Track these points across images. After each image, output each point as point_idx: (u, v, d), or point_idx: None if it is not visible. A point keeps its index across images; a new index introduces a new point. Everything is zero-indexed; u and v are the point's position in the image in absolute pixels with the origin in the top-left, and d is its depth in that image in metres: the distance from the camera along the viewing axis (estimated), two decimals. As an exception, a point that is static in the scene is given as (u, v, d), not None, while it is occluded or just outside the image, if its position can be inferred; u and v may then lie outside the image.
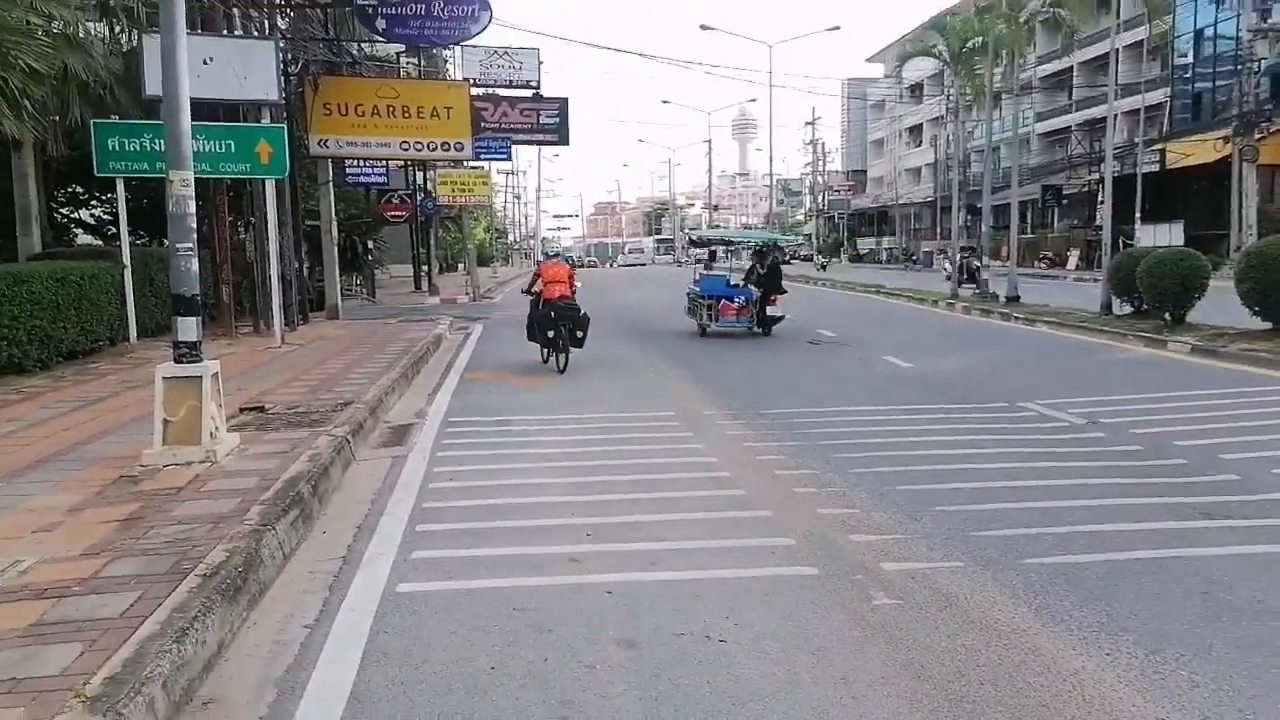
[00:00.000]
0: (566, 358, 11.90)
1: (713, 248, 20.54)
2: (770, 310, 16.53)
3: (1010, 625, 3.81)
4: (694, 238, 25.28)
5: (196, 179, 6.71)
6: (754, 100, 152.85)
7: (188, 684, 3.34)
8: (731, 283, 16.81)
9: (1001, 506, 5.43)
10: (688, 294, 17.82)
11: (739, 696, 3.27)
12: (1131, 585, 4.21)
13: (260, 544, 4.50)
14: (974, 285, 24.01)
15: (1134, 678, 3.34)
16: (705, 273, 18.12)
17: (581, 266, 39.42)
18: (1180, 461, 6.43)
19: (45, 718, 2.83)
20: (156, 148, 13.20)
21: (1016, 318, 18.11)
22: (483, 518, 5.45)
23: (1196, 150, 34.24)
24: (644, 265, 78.96)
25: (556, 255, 14.79)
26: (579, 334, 12.10)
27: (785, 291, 17.43)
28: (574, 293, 12.48)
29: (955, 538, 4.91)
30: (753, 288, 16.71)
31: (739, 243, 22.15)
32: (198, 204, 6.74)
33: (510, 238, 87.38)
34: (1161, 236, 31.94)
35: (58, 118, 14.01)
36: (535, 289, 12.70)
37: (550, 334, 12.08)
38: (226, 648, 3.75)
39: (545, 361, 12.28)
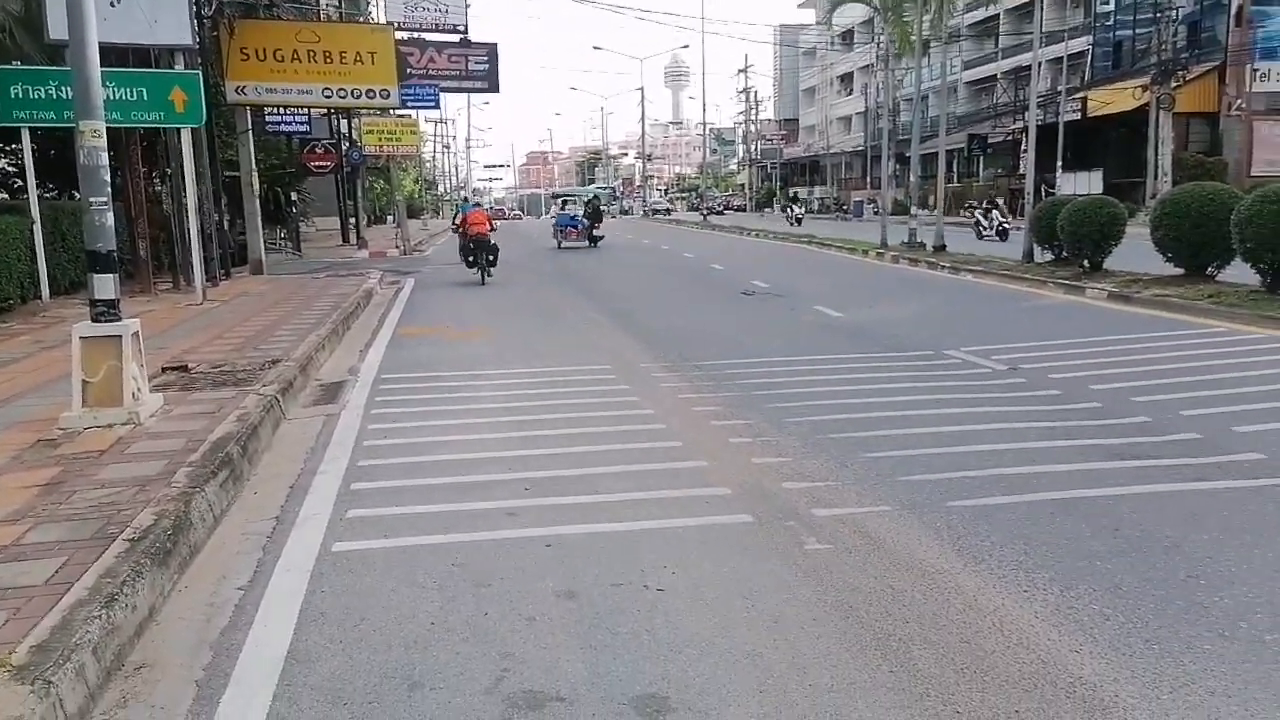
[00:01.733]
0: (485, 274, 17.90)
1: (565, 198, 35.55)
2: (595, 232, 29.99)
3: (935, 566, 3.97)
4: (554, 193, 47.81)
5: (108, 129, 6.41)
6: (686, 47, 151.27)
7: (119, 649, 3.29)
8: (574, 218, 30.36)
9: (927, 452, 5.60)
10: (552, 224, 32.27)
11: (676, 643, 3.36)
12: (1048, 525, 4.40)
13: (189, 506, 4.42)
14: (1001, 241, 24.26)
15: (1049, 613, 3.52)
16: (560, 212, 32.54)
17: (504, 219, 46.58)
18: (1095, 405, 6.71)
19: (-30, 690, 2.76)
20: (63, 95, 12.58)
21: (943, 266, 18.51)
22: (419, 474, 5.43)
23: (1116, 98, 35.11)
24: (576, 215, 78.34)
25: (478, 205, 23.16)
26: (492, 258, 18.14)
27: (601, 221, 31.74)
28: (492, 231, 18.34)
29: (883, 483, 5.06)
30: (584, 220, 30.17)
31: (580, 195, 37.12)
32: (110, 155, 6.44)
33: (440, 189, 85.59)
34: (1082, 184, 32.81)
35: (-49, 63, 13.20)
36: (461, 228, 19.64)
37: (472, 258, 18.37)
38: (158, 612, 3.69)
39: (472, 271, 18.22)
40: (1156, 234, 13.28)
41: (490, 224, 18.62)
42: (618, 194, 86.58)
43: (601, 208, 34.54)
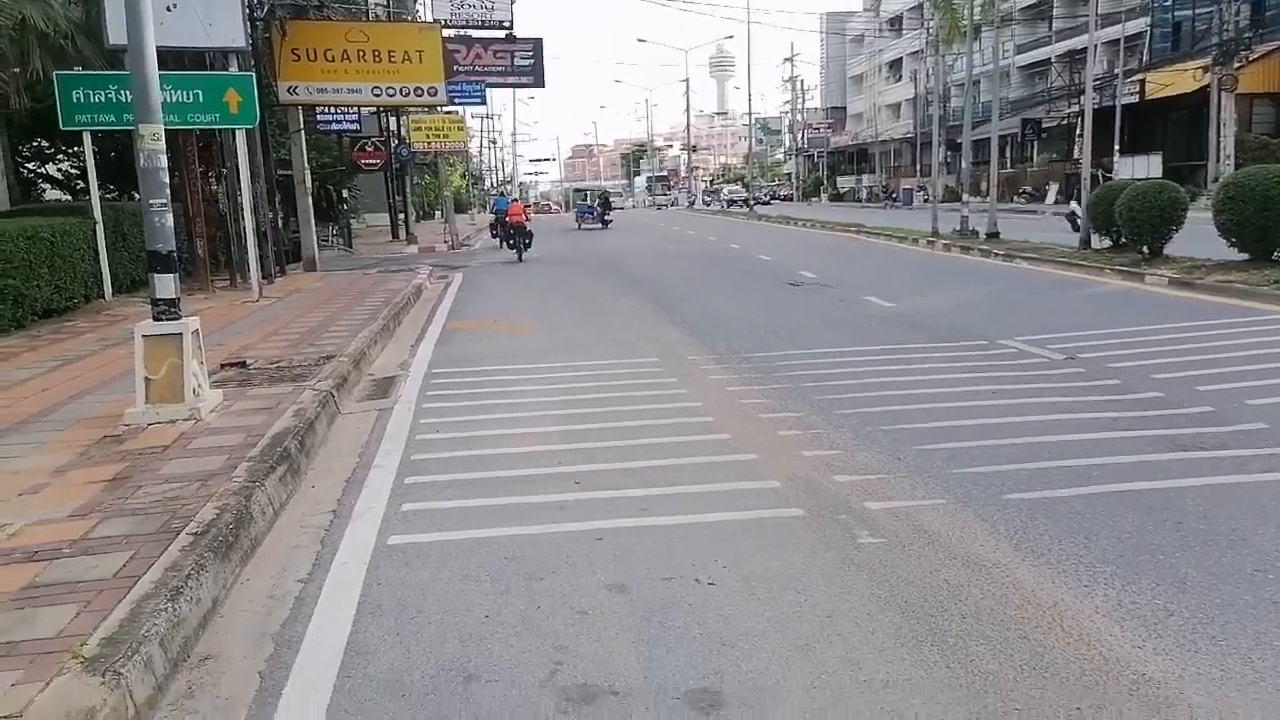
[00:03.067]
0: (520, 253, 22.38)
1: (584, 192, 46.84)
2: (607, 217, 39.80)
3: (991, 560, 3.90)
4: (576, 188, 59.85)
5: (165, 131, 6.57)
6: (731, 37, 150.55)
7: (184, 642, 3.38)
8: (592, 206, 40.89)
9: (982, 443, 5.51)
10: (575, 211, 44.30)
11: (728, 637, 3.35)
12: (1108, 518, 4.31)
13: (250, 501, 4.53)
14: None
15: (1111, 608, 3.44)
16: (581, 203, 43.57)
17: (549, 213, 61.25)
18: (1157, 395, 6.54)
19: (44, 679, 2.86)
20: (123, 99, 12.91)
21: (996, 254, 18.17)
22: (471, 468, 5.49)
23: (1176, 80, 34.11)
24: (621, 209, 77.98)
25: (516, 199, 29.82)
26: (527, 241, 22.83)
27: (610, 209, 41.69)
28: (528, 219, 23.34)
29: (937, 475, 4.99)
30: (598, 208, 40.25)
31: (592, 189, 48.62)
32: (167, 156, 6.61)
33: (487, 183, 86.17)
34: (1140, 168, 31.97)
35: (18, 70, 13.61)
36: (501, 217, 26.19)
37: (511, 241, 23.21)
38: (221, 604, 3.79)
39: (510, 251, 23.27)
40: (1220, 218, 12.88)
41: (526, 214, 23.68)
42: (670, 185, 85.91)
43: (611, 200, 46.08)
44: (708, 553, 4.11)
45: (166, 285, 6.36)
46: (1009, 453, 5.31)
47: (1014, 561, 3.88)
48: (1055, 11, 45.58)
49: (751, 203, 54.32)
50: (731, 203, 63.23)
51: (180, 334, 6.24)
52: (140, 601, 3.38)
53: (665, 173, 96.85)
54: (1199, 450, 5.24)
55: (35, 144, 19.70)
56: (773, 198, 68.97)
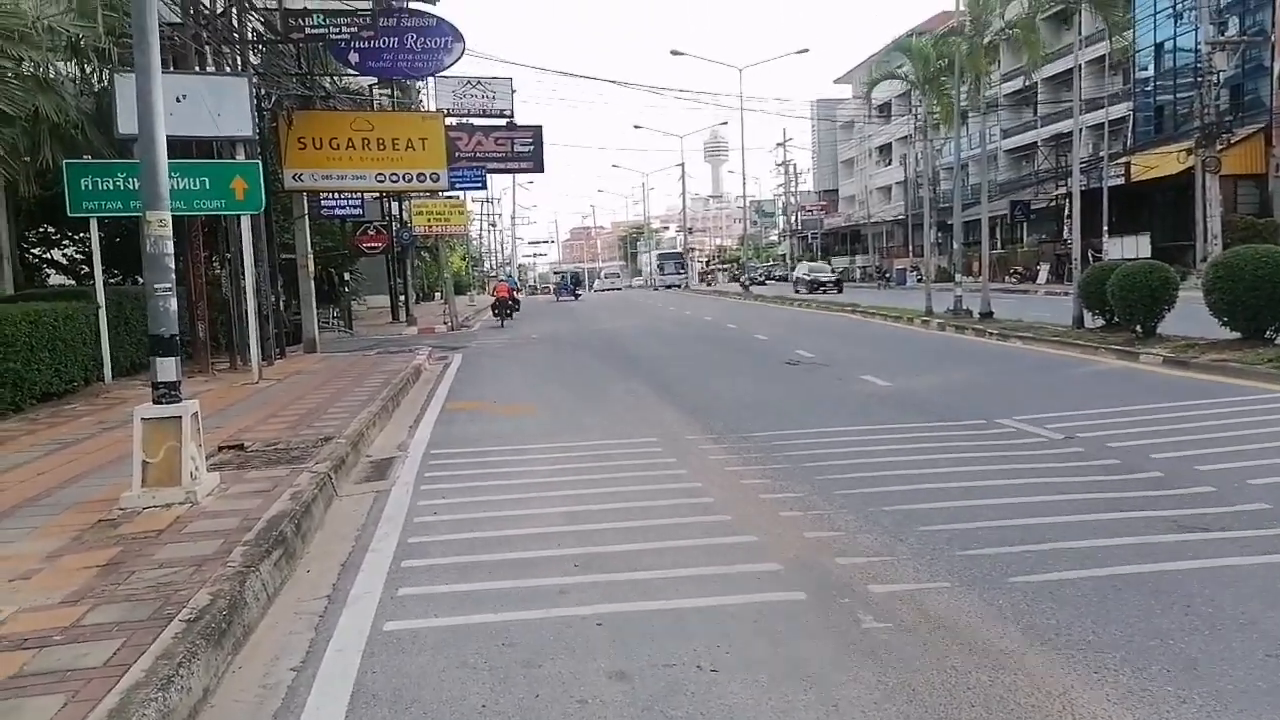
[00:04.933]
0: (503, 321, 29.70)
1: (564, 274, 64.71)
2: (578, 292, 55.68)
3: (999, 645, 3.84)
4: (555, 270, 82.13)
5: (172, 217, 6.68)
6: (725, 123, 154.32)
7: (174, 733, 3.29)
8: (567, 284, 56.93)
9: (985, 525, 5.47)
10: (554, 288, 63.15)
11: (732, 727, 3.27)
12: (1115, 601, 4.25)
13: (244, 586, 4.46)
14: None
15: (1122, 695, 3.37)
16: (558, 282, 61.38)
17: (537, 291, 70.15)
18: (1156, 474, 6.52)
19: (30, 774, 2.78)
20: (129, 186, 13.17)
21: (991, 333, 18.31)
22: (469, 551, 5.43)
23: (1160, 163, 34.92)
24: (619, 290, 78.48)
25: (507, 279, 36.87)
26: (510, 312, 30.82)
27: (581, 286, 60.78)
28: (511, 295, 31.89)
29: (941, 558, 4.94)
30: (571, 285, 56.16)
31: (568, 272, 68.37)
32: (173, 241, 6.70)
33: (486, 265, 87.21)
34: (1129, 248, 32.51)
35: (29, 159, 13.91)
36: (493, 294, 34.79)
37: (496, 311, 31.05)
38: (212, 694, 3.70)
39: (499, 324, 29.80)
40: (1210, 297, 13.03)
41: (510, 294, 32.21)
42: (684, 264, 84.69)
43: (581, 280, 62.54)
44: (709, 638, 4.04)
45: (168, 368, 6.39)
46: (1012, 534, 5.27)
47: (1021, 647, 3.81)
48: (1040, 97, 46.89)
49: (746, 283, 54.86)
50: (754, 281, 59.10)
51: (180, 417, 6.23)
52: (130, 691, 3.30)
53: (678, 250, 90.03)
54: (1202, 531, 5.20)
55: (41, 229, 19.99)
56: (767, 278, 69.67)
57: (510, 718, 3.42)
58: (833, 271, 50.09)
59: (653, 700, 3.50)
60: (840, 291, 44.18)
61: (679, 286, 72.18)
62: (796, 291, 39.12)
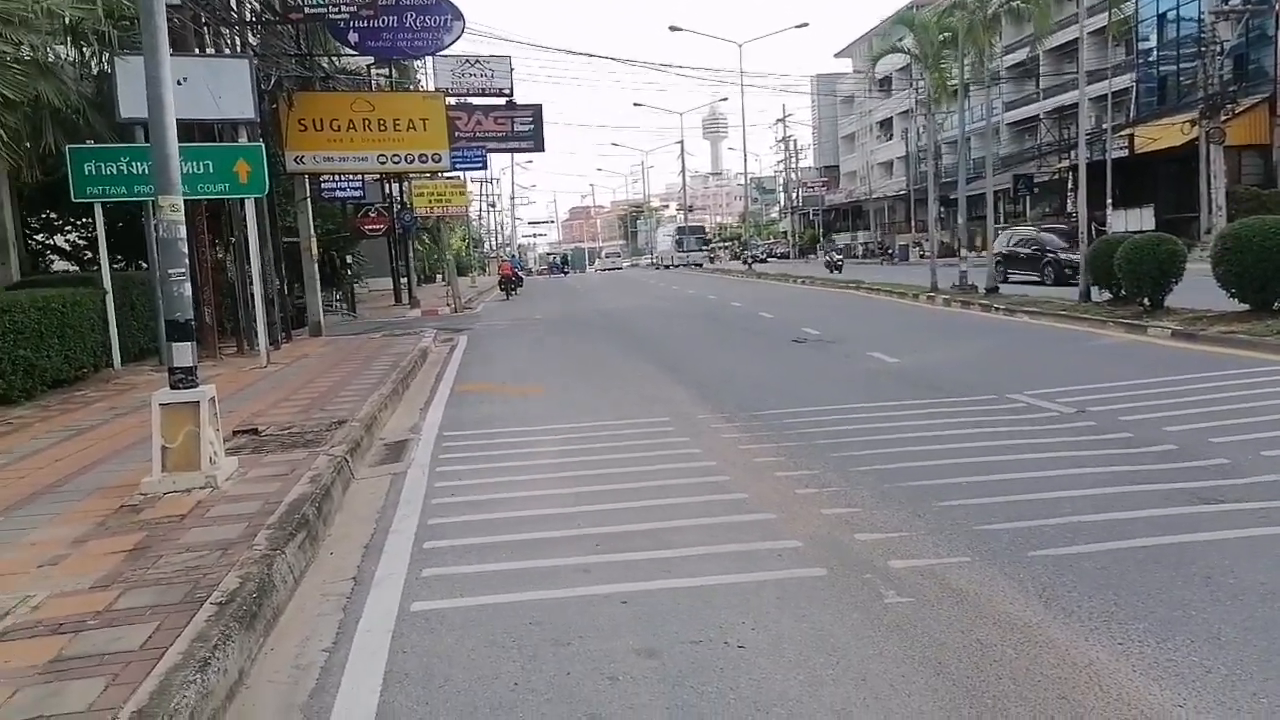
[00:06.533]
0: (509, 295, 35.15)
1: (554, 255, 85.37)
2: (565, 270, 75.79)
3: (1022, 618, 3.88)
4: (547, 252, 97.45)
5: (182, 203, 6.66)
6: (724, 99, 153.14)
7: (213, 714, 3.34)
8: (557, 264, 79.68)
9: (1001, 499, 5.51)
10: (549, 267, 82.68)
11: (763, 702, 3.32)
12: (1136, 573, 4.29)
13: (272, 569, 4.50)
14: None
15: (1148, 666, 3.42)
16: (550, 263, 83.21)
17: (531, 274, 63.88)
18: (1171, 447, 6.54)
19: (77, 756, 2.82)
20: (133, 171, 13.14)
21: (997, 308, 18.29)
22: (489, 532, 5.47)
23: (1164, 134, 34.73)
24: (620, 270, 78.33)
25: (505, 260, 45.65)
26: (516, 287, 36.82)
27: (568, 264, 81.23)
28: (513, 272, 38.07)
29: (960, 532, 4.98)
30: (560, 265, 78.95)
31: (558, 254, 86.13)
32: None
33: (486, 246, 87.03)
34: (1133, 221, 32.40)
35: (30, 144, 13.85)
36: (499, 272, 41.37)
37: (503, 286, 36.69)
38: (247, 675, 3.75)
39: (505, 297, 35.01)
40: (1218, 269, 13.02)
41: (513, 271, 38.53)
42: (708, 239, 78.49)
43: (569, 259, 77.07)
44: (734, 614, 4.08)
45: (184, 353, 6.40)
46: (1030, 508, 5.31)
47: (1045, 620, 3.85)
48: (1042, 70, 46.58)
49: (749, 260, 54.47)
50: (756, 259, 56.11)
51: (198, 402, 6.26)
52: (169, 673, 3.35)
53: (699, 224, 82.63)
54: (1220, 503, 5.24)
55: (44, 215, 19.95)
56: (769, 255, 69.34)
57: (543, 695, 3.47)
58: (838, 253, 48.31)
59: (683, 676, 3.54)
60: (749, 266, 48.49)
61: (699, 265, 66.15)
62: (831, 273, 37.00)
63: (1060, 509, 5.26)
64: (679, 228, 76.45)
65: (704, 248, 69.94)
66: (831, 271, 38.05)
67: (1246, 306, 12.79)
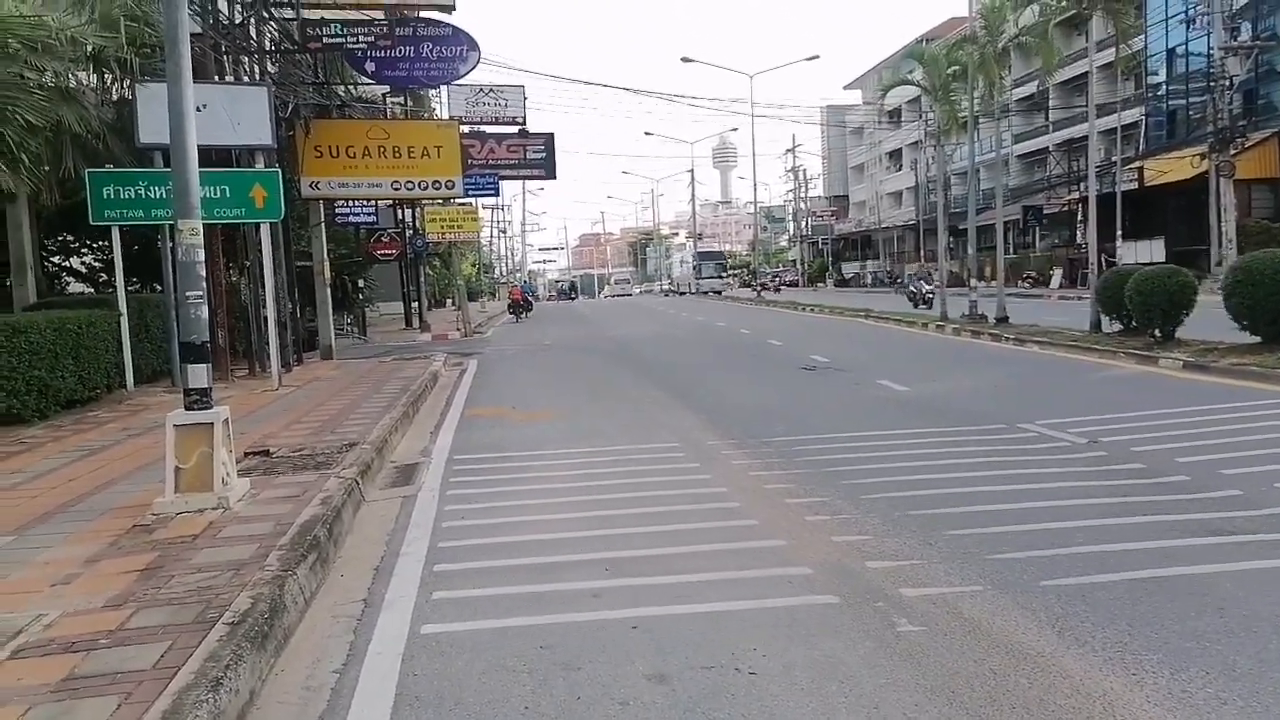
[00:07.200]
0: (519, 318, 38.09)
1: (560, 281, 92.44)
2: (572, 296, 78.44)
3: (1035, 648, 3.86)
4: (559, 279, 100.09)
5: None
6: (735, 129, 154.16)
7: (224, 734, 3.35)
8: (565, 290, 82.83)
9: (1013, 529, 5.49)
10: (557, 293, 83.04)
11: (775, 729, 3.30)
12: (1149, 604, 4.27)
13: (283, 589, 4.51)
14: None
15: (1162, 698, 3.39)
16: (558, 290, 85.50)
17: (538, 300, 59.62)
18: (1183, 479, 6.52)
19: (90, 773, 2.83)
20: (151, 195, 13.30)
21: (1007, 338, 18.28)
22: (500, 555, 5.47)
23: (1174, 167, 34.80)
24: (630, 296, 78.59)
25: (521, 285, 48.83)
26: (525, 311, 39.22)
27: (576, 291, 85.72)
28: (523, 297, 41.15)
29: (971, 561, 4.96)
30: (568, 292, 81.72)
31: (566, 280, 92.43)
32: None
33: (496, 272, 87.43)
34: (1143, 253, 32.42)
35: (49, 168, 14.04)
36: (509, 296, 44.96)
37: (513, 310, 39.78)
38: (258, 696, 3.75)
39: (515, 320, 37.98)
40: (1230, 301, 13.00)
41: (523, 296, 41.18)
42: (726, 266, 77.57)
43: (576, 286, 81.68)
44: (745, 641, 4.07)
45: (199, 375, 6.46)
46: (1042, 538, 5.29)
47: (1058, 650, 3.83)
48: (1051, 103, 46.83)
49: (759, 288, 54.45)
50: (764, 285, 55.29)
51: (212, 423, 6.31)
52: (181, 693, 3.36)
53: (718, 250, 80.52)
54: (1233, 535, 5.21)
55: (61, 238, 20.19)
56: (781, 283, 69.33)
57: (553, 719, 3.46)
58: (927, 281, 34.56)
59: (694, 702, 3.53)
60: (758, 294, 49.59)
61: (719, 294, 62.05)
62: (915, 307, 29.91)
63: (1073, 539, 5.24)
64: (698, 253, 74.31)
65: (723, 274, 67.70)
66: (916, 305, 30.90)
67: (1258, 339, 12.75)
